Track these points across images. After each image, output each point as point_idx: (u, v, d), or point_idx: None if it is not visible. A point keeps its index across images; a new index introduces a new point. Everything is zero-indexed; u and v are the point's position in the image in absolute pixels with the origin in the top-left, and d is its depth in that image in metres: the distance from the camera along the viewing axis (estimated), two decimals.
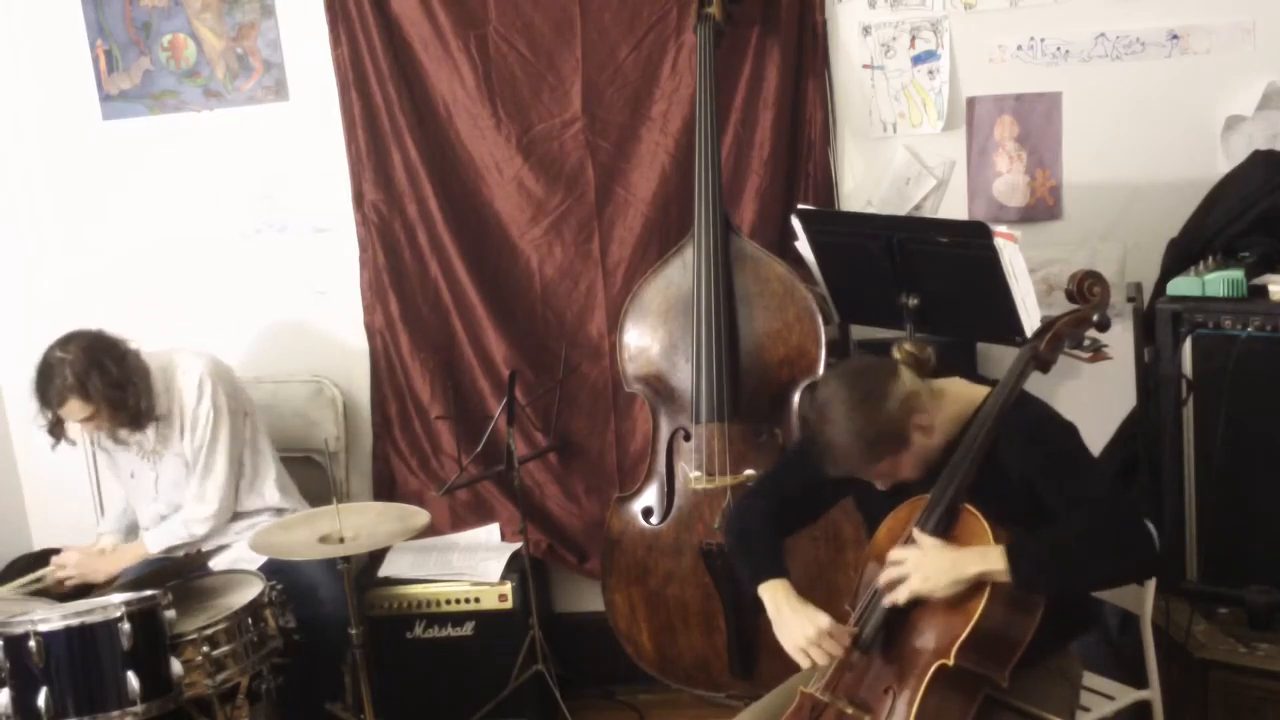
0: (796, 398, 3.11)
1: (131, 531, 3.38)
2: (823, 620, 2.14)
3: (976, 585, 2.03)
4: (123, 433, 3.13)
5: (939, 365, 2.23)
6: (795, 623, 2.17)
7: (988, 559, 2.02)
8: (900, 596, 2.07)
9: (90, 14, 3.61)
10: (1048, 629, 2.09)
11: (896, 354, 2.20)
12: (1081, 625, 2.38)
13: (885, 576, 2.10)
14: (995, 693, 2.12)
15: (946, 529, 2.12)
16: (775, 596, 2.23)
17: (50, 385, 3.02)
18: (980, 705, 2.10)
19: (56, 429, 3.12)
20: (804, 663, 2.16)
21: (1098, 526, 2.06)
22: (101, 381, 3.00)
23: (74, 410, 3.04)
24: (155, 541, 3.20)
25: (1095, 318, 2.26)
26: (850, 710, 2.11)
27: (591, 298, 3.53)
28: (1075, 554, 2.05)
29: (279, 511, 3.29)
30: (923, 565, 2.06)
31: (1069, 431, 2.19)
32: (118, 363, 3.05)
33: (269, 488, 3.32)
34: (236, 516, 3.28)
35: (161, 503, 3.27)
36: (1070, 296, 2.28)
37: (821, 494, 2.39)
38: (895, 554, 2.11)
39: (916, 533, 2.11)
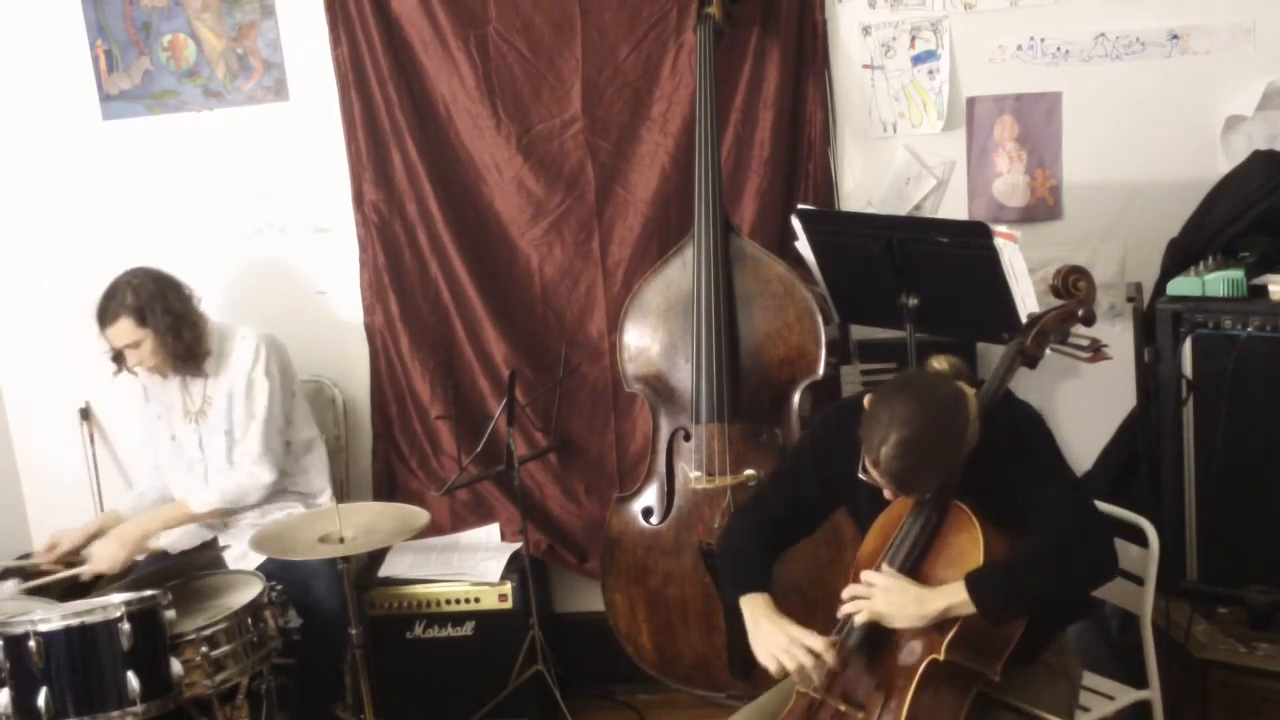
0: (797, 397, 3.11)
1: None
2: (795, 630, 2.15)
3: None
4: (169, 371, 3.18)
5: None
6: (769, 631, 2.19)
7: (950, 595, 2.03)
8: (859, 618, 2.10)
9: (90, 14, 3.60)
10: (1042, 617, 2.09)
11: (940, 365, 2.17)
12: (1075, 613, 2.38)
13: (849, 591, 2.13)
14: (993, 691, 2.12)
15: (936, 526, 2.13)
16: (754, 608, 2.25)
17: (110, 303, 3.13)
18: (979, 704, 2.11)
19: (120, 358, 3.19)
20: (773, 668, 2.17)
21: (1055, 544, 2.07)
22: (161, 308, 3.11)
23: (121, 332, 3.11)
24: (204, 502, 3.18)
25: (1080, 313, 2.26)
26: (844, 708, 2.12)
27: (591, 298, 3.53)
28: (1035, 577, 2.04)
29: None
30: (889, 591, 2.08)
31: (1046, 435, 2.20)
32: (181, 301, 3.17)
33: (316, 472, 3.35)
34: (291, 496, 3.28)
35: (201, 466, 3.27)
36: (1055, 292, 2.28)
37: (815, 509, 2.42)
38: (868, 575, 2.12)
39: (885, 567, 2.12)
